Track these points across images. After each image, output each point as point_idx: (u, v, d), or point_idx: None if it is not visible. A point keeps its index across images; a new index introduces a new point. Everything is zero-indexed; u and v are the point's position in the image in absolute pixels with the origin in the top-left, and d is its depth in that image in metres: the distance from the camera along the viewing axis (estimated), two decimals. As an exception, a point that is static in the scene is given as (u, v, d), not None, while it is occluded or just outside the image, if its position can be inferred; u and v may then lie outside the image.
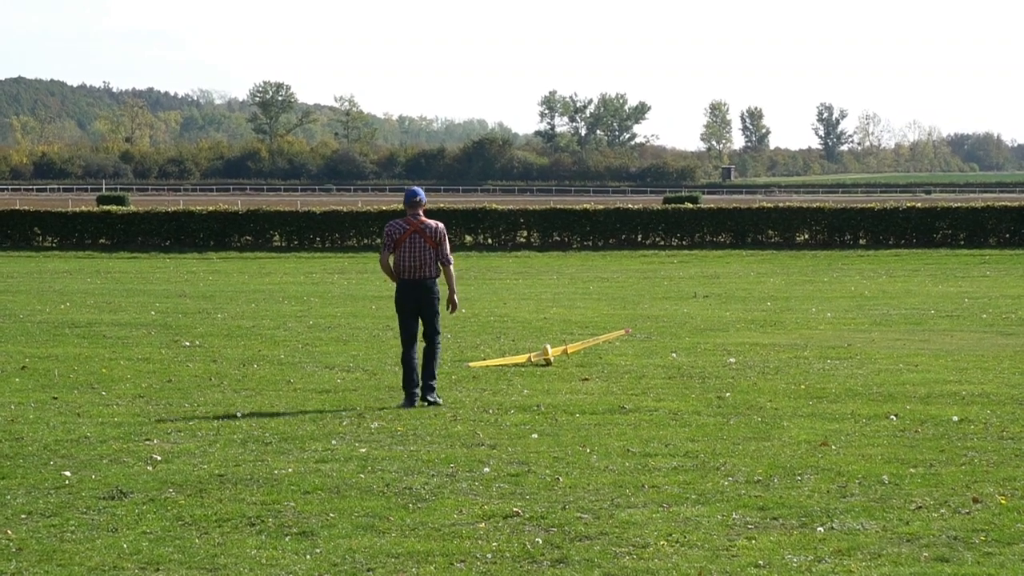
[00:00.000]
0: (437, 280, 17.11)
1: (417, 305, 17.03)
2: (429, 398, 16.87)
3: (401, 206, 18.28)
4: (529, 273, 46.73)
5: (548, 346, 21.12)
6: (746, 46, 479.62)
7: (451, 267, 17.22)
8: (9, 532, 10.62)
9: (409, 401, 16.81)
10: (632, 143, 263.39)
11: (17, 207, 67.48)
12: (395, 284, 17.22)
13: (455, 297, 17.55)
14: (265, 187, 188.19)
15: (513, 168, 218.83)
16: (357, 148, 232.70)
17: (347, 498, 11.63)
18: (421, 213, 17.07)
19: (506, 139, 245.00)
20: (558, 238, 60.38)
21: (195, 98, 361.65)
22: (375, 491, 11.90)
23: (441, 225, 17.18)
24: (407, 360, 16.97)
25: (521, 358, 21.05)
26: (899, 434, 14.57)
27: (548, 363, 20.55)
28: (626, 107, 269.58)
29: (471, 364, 20.65)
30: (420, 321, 17.11)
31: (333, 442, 14.21)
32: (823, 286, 39.22)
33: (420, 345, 17.13)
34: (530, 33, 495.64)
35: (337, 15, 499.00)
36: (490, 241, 60.73)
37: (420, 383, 16.92)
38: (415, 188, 17.42)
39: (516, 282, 41.99)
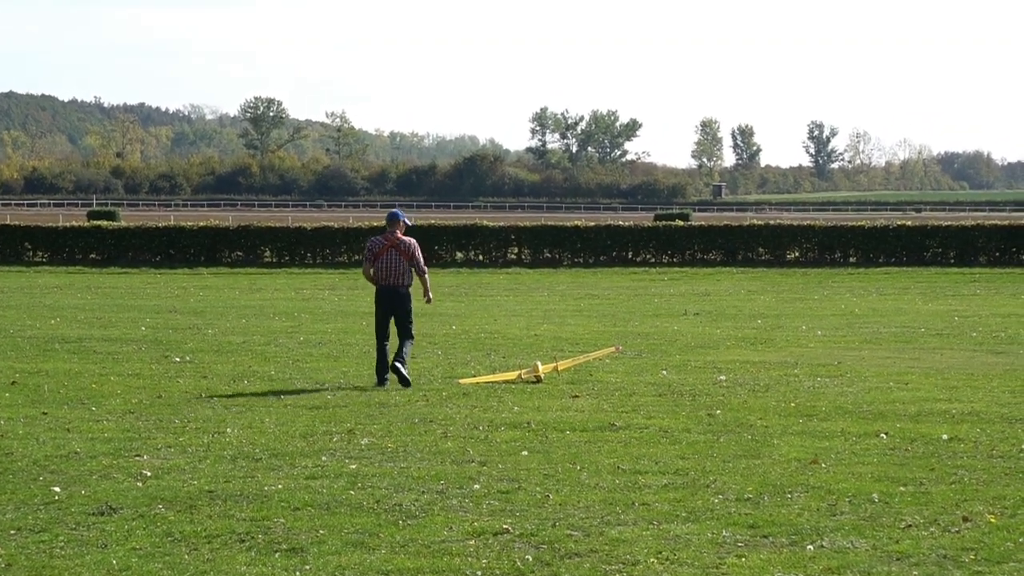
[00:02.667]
0: (410, 288, 20.54)
1: (391, 307, 20.48)
2: (396, 363, 20.00)
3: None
4: (520, 290, 46.74)
5: (539, 363, 21.13)
6: (737, 64, 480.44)
7: (425, 275, 20.79)
8: (-2, 548, 10.61)
9: (381, 383, 20.12)
10: (623, 160, 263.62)
11: (7, 222, 67.43)
12: (375, 289, 20.73)
13: (429, 293, 21.12)
14: (256, 203, 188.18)
15: (504, 185, 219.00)
16: (348, 164, 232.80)
17: (337, 515, 11.63)
18: (399, 231, 20.53)
19: (497, 156, 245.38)
20: (549, 255, 60.39)
21: (186, 113, 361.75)
22: (365, 508, 11.89)
23: (414, 241, 20.66)
24: (380, 350, 20.46)
25: (511, 375, 21.13)
26: (889, 452, 14.58)
27: (538, 380, 20.56)
28: (617, 124, 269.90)
29: (461, 381, 20.68)
30: (394, 322, 20.49)
31: (323, 458, 14.21)
32: (813, 304, 39.26)
33: (393, 344, 20.47)
34: (521, 50, 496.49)
35: (329, 31, 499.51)
36: (481, 257, 60.71)
37: (389, 365, 20.15)
38: (397, 211, 21.07)
39: (507, 298, 42.00)
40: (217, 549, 10.59)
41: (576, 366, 22.11)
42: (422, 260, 20.74)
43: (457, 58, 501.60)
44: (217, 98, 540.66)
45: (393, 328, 20.62)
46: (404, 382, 20.04)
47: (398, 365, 20.01)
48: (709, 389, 19.86)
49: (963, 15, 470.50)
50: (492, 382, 20.59)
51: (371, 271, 20.53)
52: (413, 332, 20.65)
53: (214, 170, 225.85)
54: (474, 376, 21.33)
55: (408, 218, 21.09)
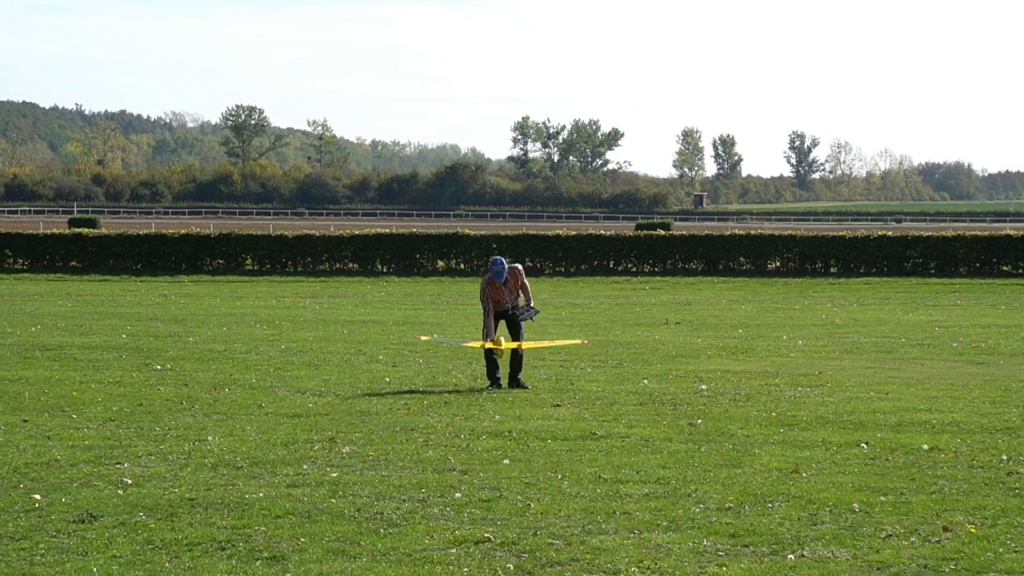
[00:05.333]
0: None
1: (503, 317, 21.65)
2: (514, 383, 21.20)
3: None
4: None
5: (503, 338, 21.33)
6: (719, 74, 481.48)
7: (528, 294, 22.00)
8: (-22, 555, 10.58)
9: (494, 384, 21.26)
10: (605, 169, 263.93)
11: (-12, 229, 67.25)
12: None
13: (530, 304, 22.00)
14: (237, 211, 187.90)
15: (486, 193, 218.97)
16: (330, 172, 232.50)
17: (318, 523, 11.62)
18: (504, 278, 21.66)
19: (479, 164, 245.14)
20: (530, 264, 60.40)
21: (168, 121, 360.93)
22: (346, 516, 11.88)
23: (519, 267, 21.95)
24: (488, 354, 21.42)
25: (475, 344, 22.24)
26: (869, 462, 14.61)
27: (500, 354, 21.16)
28: (599, 133, 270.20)
29: (421, 337, 23.17)
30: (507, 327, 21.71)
31: (304, 467, 14.19)
32: (794, 314, 39.32)
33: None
34: (503, 59, 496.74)
35: (310, 39, 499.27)
36: (463, 266, 60.74)
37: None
38: (499, 260, 21.88)
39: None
40: (198, 557, 10.58)
41: (539, 349, 22.67)
42: (527, 285, 22.08)
43: (439, 66, 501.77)
44: (198, 106, 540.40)
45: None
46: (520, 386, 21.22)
47: (520, 380, 21.24)
48: (690, 398, 19.88)
49: (944, 26, 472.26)
50: (451, 344, 22.06)
51: (490, 320, 21.43)
52: (523, 334, 21.74)
53: (195, 178, 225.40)
54: (430, 337, 23.65)
55: (507, 268, 21.76)
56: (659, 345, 28.59)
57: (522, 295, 21.86)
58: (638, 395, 20.25)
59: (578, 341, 24.39)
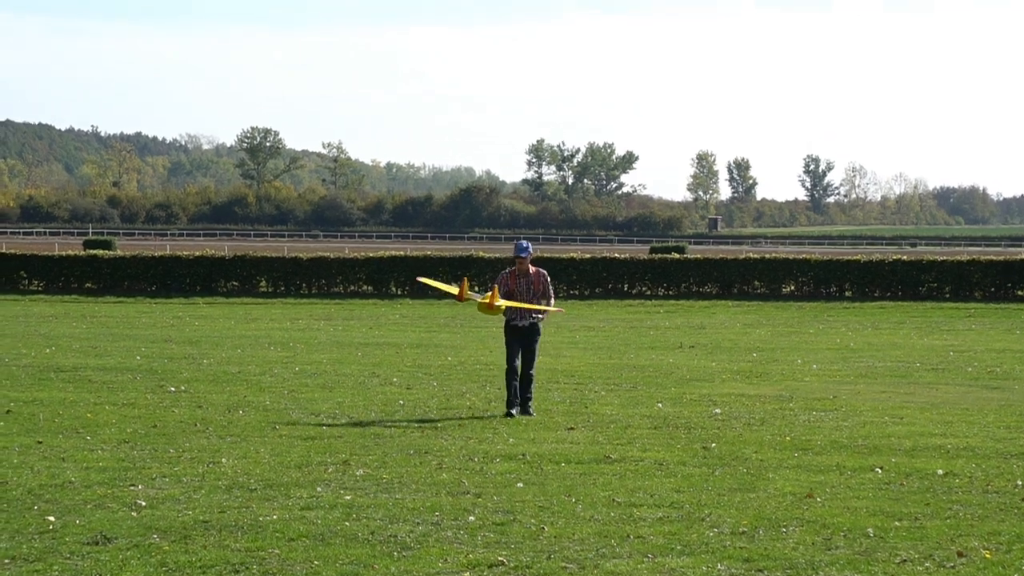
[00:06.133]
0: (540, 322, 21.25)
1: (520, 343, 21.01)
2: (526, 414, 20.52)
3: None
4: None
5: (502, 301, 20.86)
6: (733, 97, 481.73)
7: (551, 304, 21.32)
8: (-8, 577, 10.59)
9: (509, 415, 20.49)
10: (619, 192, 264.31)
11: (3, 251, 67.27)
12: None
13: (542, 313, 21.21)
14: (252, 233, 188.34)
15: (500, 216, 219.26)
16: (344, 195, 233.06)
17: (332, 546, 11.61)
18: (527, 263, 21.26)
19: (493, 187, 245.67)
20: (545, 287, 60.31)
21: (183, 143, 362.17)
22: (360, 539, 11.88)
23: (544, 272, 21.45)
24: (509, 384, 20.81)
25: (453, 289, 22.52)
26: (884, 487, 14.58)
27: (495, 310, 20.82)
28: (614, 156, 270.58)
29: (420, 279, 24.80)
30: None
31: (318, 489, 14.19)
32: (809, 338, 39.27)
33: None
34: (518, 81, 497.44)
35: (326, 61, 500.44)
36: (477, 289, 60.71)
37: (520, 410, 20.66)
38: (523, 241, 21.53)
39: (502, 330, 41.93)
40: (212, 579, 10.57)
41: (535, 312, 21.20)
42: (552, 292, 21.45)
43: (454, 89, 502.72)
44: (214, 128, 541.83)
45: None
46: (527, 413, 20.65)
47: (530, 413, 20.58)
48: (704, 422, 19.85)
49: (960, 51, 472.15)
50: (444, 291, 23.16)
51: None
52: (534, 372, 21.10)
53: (210, 200, 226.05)
54: (431, 281, 24.09)
55: (532, 248, 21.38)
56: (673, 368, 28.56)
57: (544, 302, 21.27)
58: (652, 418, 20.23)
59: (556, 308, 22.74)
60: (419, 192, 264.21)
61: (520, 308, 20.86)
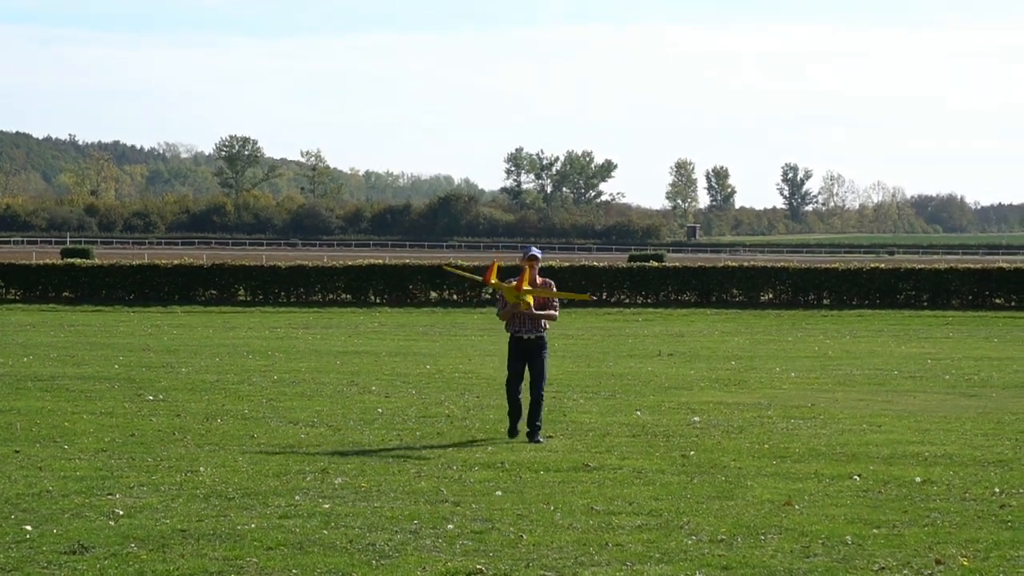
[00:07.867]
0: (545, 336, 19.51)
1: (525, 358, 19.25)
2: (533, 441, 18.73)
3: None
4: (494, 330, 46.64)
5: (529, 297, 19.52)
6: (712, 106, 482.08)
7: (554, 313, 19.54)
8: (-31, 586, 10.55)
9: (512, 434, 19.12)
10: (598, 201, 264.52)
11: (-19, 259, 67.15)
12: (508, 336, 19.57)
13: (538, 311, 19.34)
14: (230, 241, 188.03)
15: (479, 224, 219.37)
16: (323, 203, 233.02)
17: (310, 554, 11.60)
18: (534, 269, 19.30)
19: (472, 195, 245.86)
20: (523, 295, 60.30)
21: (161, 151, 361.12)
22: (338, 547, 11.87)
23: (551, 282, 19.65)
24: (511, 401, 19.27)
25: (478, 277, 21.30)
26: (862, 494, 14.61)
27: (524, 305, 19.20)
28: (592, 165, 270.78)
29: (445, 266, 25.44)
30: (528, 374, 19.27)
31: (296, 498, 14.17)
32: (787, 345, 39.33)
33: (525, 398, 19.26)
34: (497, 90, 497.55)
35: (304, 70, 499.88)
36: (455, 297, 60.70)
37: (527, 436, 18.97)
38: (531, 246, 19.88)
39: (481, 338, 41.96)
40: (189, 588, 10.54)
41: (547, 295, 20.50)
42: (557, 302, 19.62)
43: (432, 97, 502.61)
44: (192, 136, 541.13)
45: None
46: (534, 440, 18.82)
47: (538, 441, 18.69)
48: (683, 430, 19.87)
49: (938, 59, 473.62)
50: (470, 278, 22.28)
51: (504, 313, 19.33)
52: (544, 392, 19.23)
53: (188, 208, 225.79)
54: (457, 270, 25.00)
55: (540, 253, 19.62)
56: (652, 377, 28.58)
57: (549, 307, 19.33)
58: (631, 427, 20.24)
59: (585, 295, 22.39)
60: (398, 200, 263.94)
61: (526, 319, 19.25)
